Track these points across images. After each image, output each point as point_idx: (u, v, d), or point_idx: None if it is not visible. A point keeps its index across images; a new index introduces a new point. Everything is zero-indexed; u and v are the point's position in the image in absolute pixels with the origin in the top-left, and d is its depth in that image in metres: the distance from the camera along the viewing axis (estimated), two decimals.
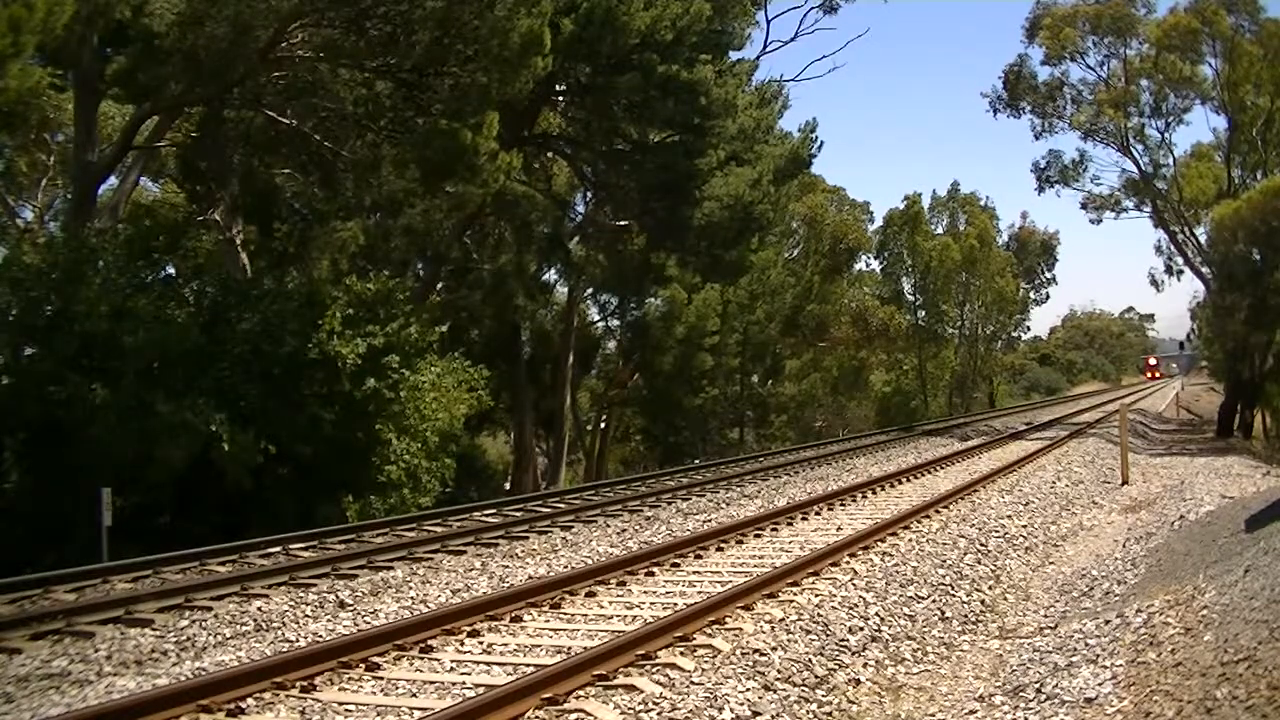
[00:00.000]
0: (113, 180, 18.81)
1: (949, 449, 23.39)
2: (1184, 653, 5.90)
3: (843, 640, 7.12)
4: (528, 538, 12.14)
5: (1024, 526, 12.44)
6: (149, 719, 5.48)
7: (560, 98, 22.63)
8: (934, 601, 8.53)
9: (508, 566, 10.38)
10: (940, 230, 52.88)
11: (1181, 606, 6.90)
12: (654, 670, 6.22)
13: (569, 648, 6.80)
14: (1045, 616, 8.39)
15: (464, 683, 6.20)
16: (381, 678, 6.37)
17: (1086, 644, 6.85)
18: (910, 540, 10.86)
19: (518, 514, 13.95)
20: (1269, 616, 5.63)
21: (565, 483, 28.36)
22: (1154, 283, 39.05)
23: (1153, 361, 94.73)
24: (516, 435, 29.82)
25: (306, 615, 8.55)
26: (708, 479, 17.75)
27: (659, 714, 5.52)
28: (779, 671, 6.30)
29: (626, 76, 20.50)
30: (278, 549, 11.33)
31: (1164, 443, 29.33)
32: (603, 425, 36.28)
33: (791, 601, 8.01)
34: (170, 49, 15.08)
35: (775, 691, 6.01)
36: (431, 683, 6.24)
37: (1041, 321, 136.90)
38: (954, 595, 8.87)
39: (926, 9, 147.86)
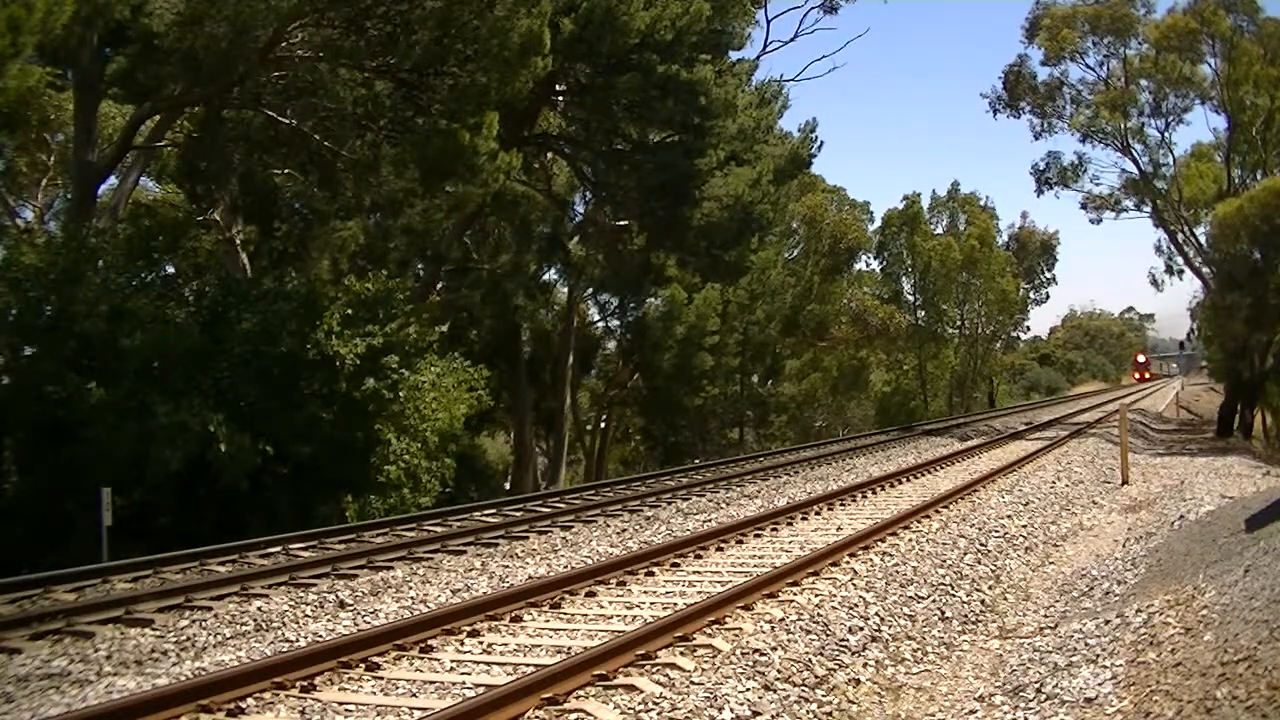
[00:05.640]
0: (113, 180, 18.81)
1: (949, 449, 23.39)
2: (1184, 653, 5.89)
3: (843, 640, 7.12)
4: (528, 538, 12.14)
5: (1024, 526, 12.44)
6: (149, 719, 5.47)
7: (560, 98, 22.63)
8: (934, 601, 8.53)
9: (508, 566, 10.38)
10: (940, 230, 52.96)
11: (1181, 606, 6.89)
12: (654, 670, 6.22)
13: (569, 648, 6.80)
14: (1045, 616, 8.39)
15: (464, 683, 6.20)
16: (381, 678, 6.37)
17: (1086, 644, 6.85)
18: (910, 540, 10.86)
19: (518, 514, 13.95)
20: (1269, 616, 5.63)
21: (565, 483, 28.36)
22: (1154, 282, 39.09)
23: (1141, 360, 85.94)
24: (516, 435, 29.84)
25: (306, 615, 8.56)
26: (708, 479, 17.74)
27: (659, 714, 5.51)
28: (779, 671, 6.30)
29: (626, 76, 20.50)
30: (278, 549, 11.33)
31: (1164, 443, 29.31)
32: (603, 425, 36.29)
33: (791, 601, 8.00)
34: (170, 49, 15.10)
35: (775, 691, 6.01)
36: (431, 683, 6.24)
37: (1041, 321, 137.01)
38: (954, 595, 8.87)
39: (926, 9, 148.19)
